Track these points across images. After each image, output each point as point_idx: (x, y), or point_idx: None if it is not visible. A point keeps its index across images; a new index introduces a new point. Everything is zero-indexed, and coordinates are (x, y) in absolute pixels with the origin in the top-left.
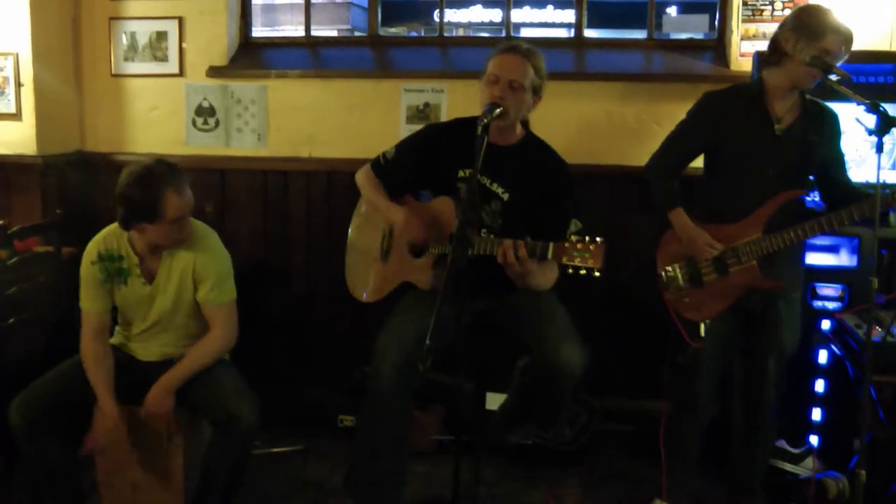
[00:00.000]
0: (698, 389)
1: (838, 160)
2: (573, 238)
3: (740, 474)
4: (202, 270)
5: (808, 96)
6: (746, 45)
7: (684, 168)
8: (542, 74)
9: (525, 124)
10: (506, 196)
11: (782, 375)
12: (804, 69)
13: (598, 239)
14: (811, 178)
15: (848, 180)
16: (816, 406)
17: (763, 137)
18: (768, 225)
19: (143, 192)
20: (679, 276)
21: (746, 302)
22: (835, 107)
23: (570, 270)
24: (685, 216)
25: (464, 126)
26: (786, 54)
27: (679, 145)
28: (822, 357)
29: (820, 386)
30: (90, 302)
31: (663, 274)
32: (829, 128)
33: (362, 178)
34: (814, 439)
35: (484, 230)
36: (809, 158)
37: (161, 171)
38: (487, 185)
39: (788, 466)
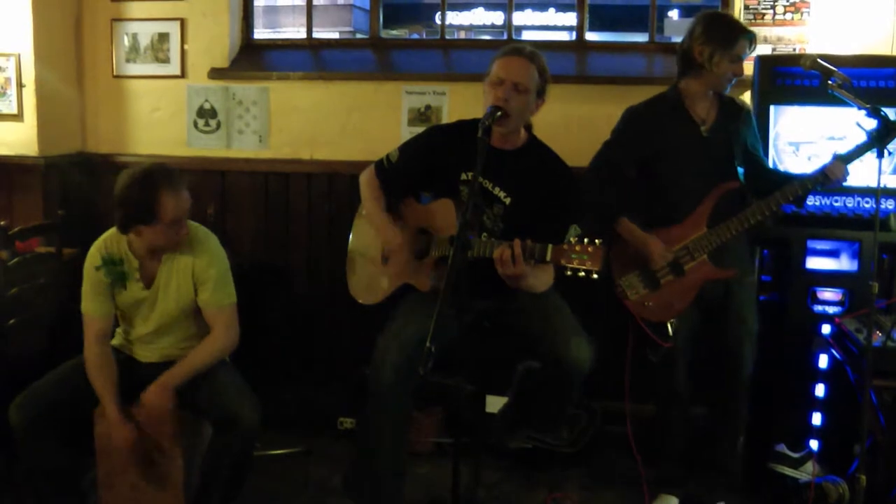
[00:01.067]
0: (676, 384)
1: (758, 148)
2: (572, 240)
3: (716, 458)
4: (202, 273)
5: (723, 94)
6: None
7: (620, 181)
8: (545, 77)
9: (528, 128)
10: (508, 200)
11: (754, 359)
12: (721, 77)
13: (596, 241)
14: (740, 170)
15: (769, 167)
16: (817, 410)
17: (691, 140)
18: (711, 219)
19: (139, 194)
20: (636, 282)
21: (705, 293)
22: (837, 111)
23: (569, 272)
24: (631, 224)
25: (467, 128)
26: (702, 66)
27: (612, 161)
28: (823, 361)
29: (820, 390)
30: (95, 306)
31: (621, 283)
32: (747, 120)
33: (365, 181)
34: (814, 444)
35: (485, 234)
36: (735, 151)
37: (157, 174)
38: (490, 188)
39: (788, 471)
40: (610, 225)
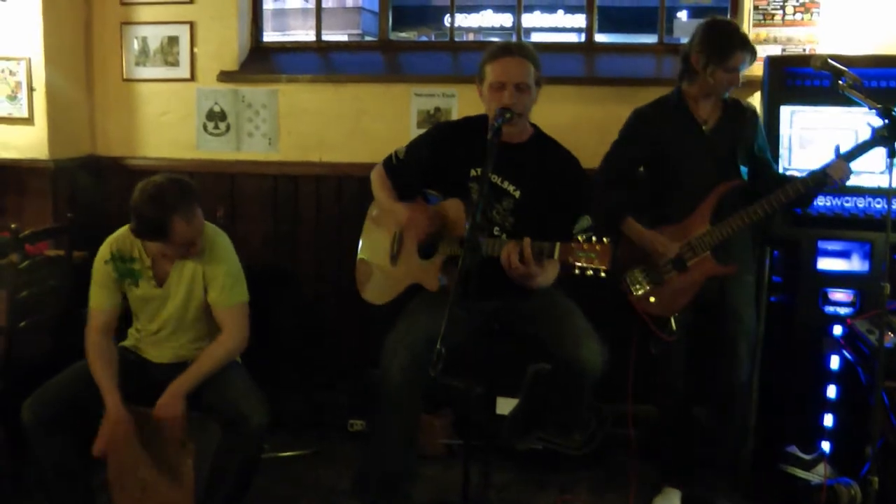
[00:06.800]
0: (671, 377)
1: (764, 149)
2: (580, 238)
3: (716, 459)
4: (212, 273)
5: (727, 96)
6: (757, 49)
7: (627, 182)
8: (538, 65)
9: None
10: (517, 194)
11: (752, 356)
12: (715, 83)
13: (604, 239)
14: (744, 169)
15: (775, 169)
16: (828, 412)
17: (694, 140)
18: (714, 216)
19: (152, 213)
20: (641, 278)
21: (704, 291)
22: (848, 112)
23: (577, 271)
24: (637, 224)
25: (473, 124)
26: (696, 73)
27: (620, 162)
28: (834, 363)
29: (832, 392)
30: (98, 299)
31: (626, 279)
32: (752, 121)
33: (376, 177)
34: (825, 445)
35: (496, 228)
36: (738, 151)
37: (173, 194)
38: (499, 183)
39: (800, 473)
40: (617, 226)
